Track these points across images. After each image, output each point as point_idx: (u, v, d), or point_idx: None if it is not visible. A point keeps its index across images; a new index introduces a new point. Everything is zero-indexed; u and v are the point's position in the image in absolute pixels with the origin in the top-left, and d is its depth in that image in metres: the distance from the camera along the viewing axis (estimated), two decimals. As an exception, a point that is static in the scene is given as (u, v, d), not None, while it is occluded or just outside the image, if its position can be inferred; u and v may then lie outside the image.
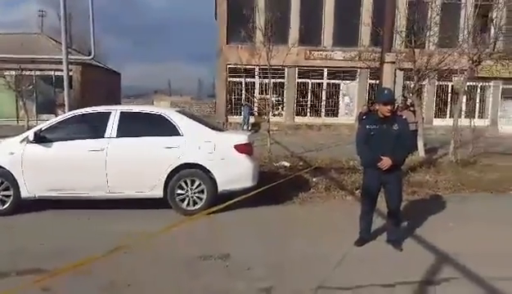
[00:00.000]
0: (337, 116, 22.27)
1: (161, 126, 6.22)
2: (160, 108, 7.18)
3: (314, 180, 8.30)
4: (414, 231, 5.53)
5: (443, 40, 12.97)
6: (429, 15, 13.58)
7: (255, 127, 20.45)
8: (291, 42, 17.79)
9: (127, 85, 48.51)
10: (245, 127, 19.88)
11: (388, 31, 8.24)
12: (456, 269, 4.32)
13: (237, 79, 21.64)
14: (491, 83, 22.18)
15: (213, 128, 6.72)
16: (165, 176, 6.07)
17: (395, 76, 8.05)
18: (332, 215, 6.40)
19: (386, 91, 4.69)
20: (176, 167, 6.08)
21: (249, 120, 20.51)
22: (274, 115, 21.16)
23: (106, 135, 6.13)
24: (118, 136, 6.12)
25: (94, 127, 6.34)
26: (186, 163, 6.10)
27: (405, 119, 4.83)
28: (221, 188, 6.18)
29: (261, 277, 4.11)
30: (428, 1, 16.51)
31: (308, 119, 22.20)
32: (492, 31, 10.87)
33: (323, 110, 22.45)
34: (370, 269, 4.33)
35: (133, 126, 6.26)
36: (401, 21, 13.45)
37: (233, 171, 6.21)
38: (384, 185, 4.75)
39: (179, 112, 6.70)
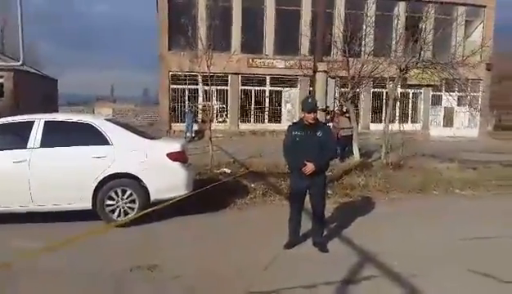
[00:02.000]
0: (280, 122, 22.68)
1: (89, 136, 5.98)
2: (89, 116, 6.89)
3: (252, 185, 8.38)
4: (342, 232, 5.76)
5: (376, 50, 13.69)
6: (364, 26, 14.33)
7: (199, 134, 20.33)
8: (233, 50, 17.91)
9: (69, 92, 46.61)
10: (189, 135, 19.69)
11: (320, 42, 8.58)
12: (378, 267, 4.54)
13: (180, 86, 21.40)
14: (422, 90, 23.68)
15: (145, 136, 6.57)
16: (94, 187, 5.85)
17: (327, 84, 8.36)
18: (267, 219, 6.49)
19: (310, 100, 4.86)
20: (105, 177, 5.88)
21: (192, 127, 20.32)
22: (219, 122, 21.21)
23: (29, 145, 5.80)
24: (42, 146, 5.81)
25: (16, 137, 6.00)
26: (115, 173, 5.91)
27: (328, 127, 5.04)
28: (153, 197, 6.02)
29: (188, 285, 4.08)
30: (362, 12, 17.32)
31: (252, 126, 22.43)
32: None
33: (266, 117, 22.81)
34: (295, 271, 4.45)
35: (59, 135, 5.98)
36: (337, 32, 14.05)
37: (166, 179, 6.11)
38: (309, 189, 4.91)
39: (108, 120, 6.50)
